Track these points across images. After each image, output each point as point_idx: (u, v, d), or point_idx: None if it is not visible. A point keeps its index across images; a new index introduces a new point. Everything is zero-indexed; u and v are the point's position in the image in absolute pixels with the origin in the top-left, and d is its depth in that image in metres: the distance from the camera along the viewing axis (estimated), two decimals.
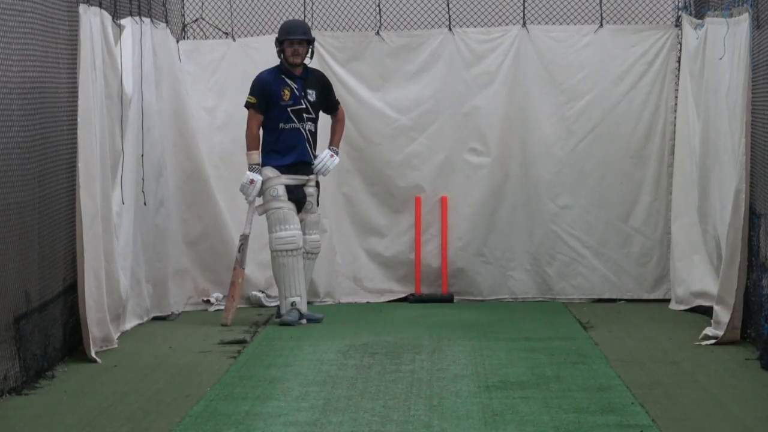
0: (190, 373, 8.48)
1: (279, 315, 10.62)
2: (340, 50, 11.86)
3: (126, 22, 10.04)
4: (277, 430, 6.86)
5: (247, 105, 10.58)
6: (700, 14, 11.00)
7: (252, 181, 10.48)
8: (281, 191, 10.49)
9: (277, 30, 10.85)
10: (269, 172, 10.52)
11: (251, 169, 10.50)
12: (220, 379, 8.22)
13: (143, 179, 10.47)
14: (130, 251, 10.15)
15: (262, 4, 11.95)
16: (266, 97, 10.53)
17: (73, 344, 8.93)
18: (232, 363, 8.83)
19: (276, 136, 10.58)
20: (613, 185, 11.85)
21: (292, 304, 10.48)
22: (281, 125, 10.56)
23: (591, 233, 11.87)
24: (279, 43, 10.64)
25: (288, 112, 10.58)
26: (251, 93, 10.57)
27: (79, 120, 8.72)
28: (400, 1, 11.99)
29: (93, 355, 8.79)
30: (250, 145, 10.55)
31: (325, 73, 11.32)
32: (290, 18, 11.60)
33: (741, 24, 9.34)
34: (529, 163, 11.85)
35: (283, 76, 10.60)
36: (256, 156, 10.54)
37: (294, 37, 10.56)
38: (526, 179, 11.86)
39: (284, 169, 10.54)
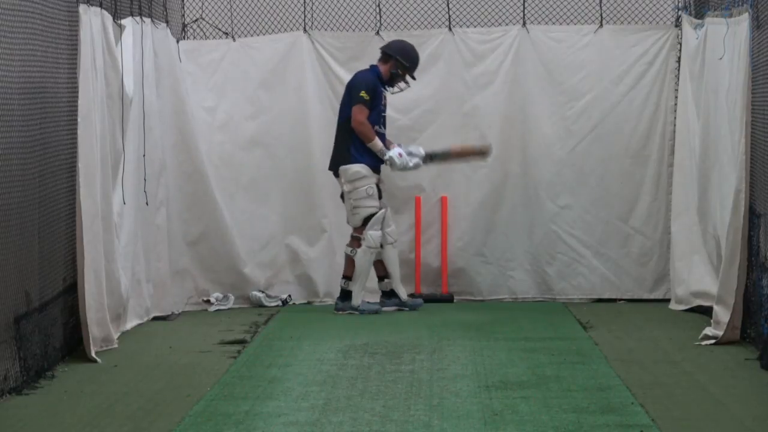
0: (190, 373, 8.48)
1: (348, 304, 11.09)
2: (340, 50, 11.85)
3: (126, 22, 10.04)
4: (277, 430, 6.86)
5: (361, 100, 10.93)
6: (700, 14, 11.00)
7: (400, 155, 11.04)
8: (376, 192, 11.03)
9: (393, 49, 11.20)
10: (364, 170, 10.97)
11: (385, 152, 11.00)
12: (220, 379, 8.22)
13: (145, 179, 10.48)
14: (130, 251, 10.15)
15: (262, 4, 11.95)
16: (373, 97, 10.98)
17: (73, 344, 8.93)
18: (232, 363, 8.82)
19: None
20: (613, 185, 11.84)
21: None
22: (376, 128, 11.05)
23: (591, 233, 11.86)
24: (402, 66, 11.11)
25: (382, 117, 11.12)
26: (365, 89, 10.95)
27: (79, 120, 8.72)
28: (400, 1, 11.98)
29: (93, 355, 8.79)
30: (372, 135, 10.94)
31: (325, 73, 11.76)
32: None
33: (741, 24, 9.34)
34: (529, 163, 11.84)
35: (381, 85, 11.14)
36: (380, 142, 10.98)
37: (414, 74, 11.20)
38: (526, 179, 11.85)
39: (375, 169, 11.06)
